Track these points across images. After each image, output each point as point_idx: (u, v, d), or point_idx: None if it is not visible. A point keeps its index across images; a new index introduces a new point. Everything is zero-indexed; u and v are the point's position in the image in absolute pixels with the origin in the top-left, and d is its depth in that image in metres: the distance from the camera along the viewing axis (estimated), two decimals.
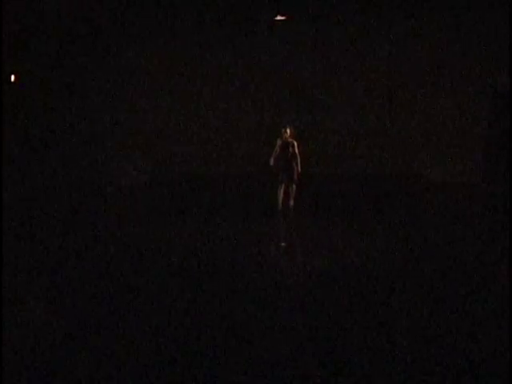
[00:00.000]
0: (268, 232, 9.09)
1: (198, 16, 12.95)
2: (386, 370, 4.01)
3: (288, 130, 10.25)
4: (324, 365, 4.09)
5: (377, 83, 13.31)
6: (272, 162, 10.21)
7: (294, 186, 10.30)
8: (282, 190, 10.31)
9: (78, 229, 9.26)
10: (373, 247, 7.83)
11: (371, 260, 7.14)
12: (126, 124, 13.86)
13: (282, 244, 8.46)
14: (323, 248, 7.80)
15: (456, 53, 13.03)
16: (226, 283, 6.20)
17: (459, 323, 4.93)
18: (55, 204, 11.81)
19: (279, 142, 10.24)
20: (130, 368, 4.12)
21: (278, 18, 13.02)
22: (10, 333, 4.69)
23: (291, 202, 10.32)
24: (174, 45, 13.57)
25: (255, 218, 10.09)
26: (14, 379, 3.95)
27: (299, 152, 10.24)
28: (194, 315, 5.18)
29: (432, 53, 13.10)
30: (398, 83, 13.27)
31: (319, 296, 5.71)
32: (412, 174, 13.28)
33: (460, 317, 5.10)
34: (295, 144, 10.19)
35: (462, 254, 7.60)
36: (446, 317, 5.07)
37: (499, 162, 13.20)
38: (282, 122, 13.32)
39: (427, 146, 13.37)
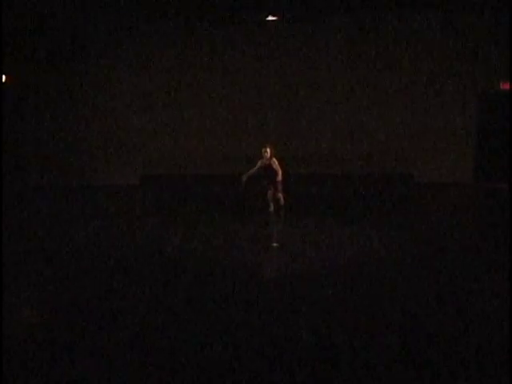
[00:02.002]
0: (260, 233, 9.10)
1: (189, 16, 12.93)
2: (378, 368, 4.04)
3: (268, 150, 10.05)
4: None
5: (367, 84, 13.35)
6: (245, 178, 9.98)
7: (281, 196, 10.17)
8: (271, 192, 10.26)
9: (68, 229, 9.24)
10: (364, 247, 7.86)
11: (362, 260, 7.18)
12: (117, 125, 13.84)
13: (274, 244, 8.47)
14: (314, 248, 7.83)
15: (446, 53, 13.10)
16: (216, 283, 6.22)
17: (457, 322, 4.97)
18: (45, 205, 11.78)
19: (260, 164, 10.02)
20: (124, 369, 4.13)
21: (270, 18, 13.03)
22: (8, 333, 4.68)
23: (281, 202, 10.28)
24: (165, 45, 13.56)
25: (247, 218, 10.10)
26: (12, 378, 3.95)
27: (279, 166, 10.09)
28: (186, 315, 5.20)
29: (422, 53, 13.16)
30: (388, 84, 13.32)
31: (309, 295, 5.74)
32: (403, 175, 13.33)
33: (458, 315, 5.14)
34: (276, 162, 10.03)
35: (455, 251, 7.65)
36: (445, 321, 5.10)
37: (490, 160, 13.30)
38: (274, 123, 13.40)
39: (417, 147, 13.43)
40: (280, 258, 7.71)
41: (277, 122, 13.47)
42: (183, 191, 13.13)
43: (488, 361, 4.21)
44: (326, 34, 13.24)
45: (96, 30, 13.26)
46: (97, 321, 5.12)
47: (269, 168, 10.00)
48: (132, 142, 13.88)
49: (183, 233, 8.93)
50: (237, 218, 10.12)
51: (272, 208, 10.30)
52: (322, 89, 13.46)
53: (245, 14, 12.74)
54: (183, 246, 8.06)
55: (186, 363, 4.23)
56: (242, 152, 13.41)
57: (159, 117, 13.80)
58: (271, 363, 4.19)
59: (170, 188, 13.40)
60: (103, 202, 12.27)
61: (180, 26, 13.24)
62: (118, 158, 13.93)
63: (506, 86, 13.00)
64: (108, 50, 13.56)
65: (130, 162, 13.92)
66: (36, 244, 8.25)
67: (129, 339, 4.69)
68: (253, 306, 5.48)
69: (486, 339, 4.60)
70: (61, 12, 12.09)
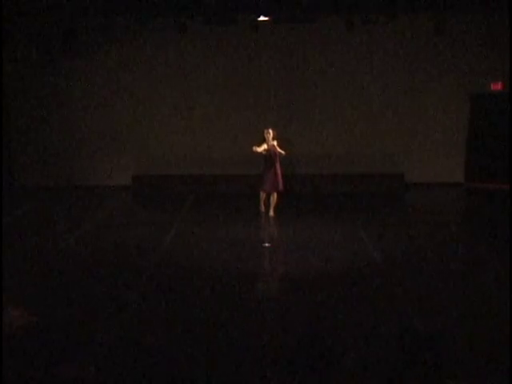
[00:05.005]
0: (252, 232, 9.10)
1: (181, 16, 12.89)
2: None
3: (270, 131, 10.02)
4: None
5: (359, 85, 13.36)
6: (255, 149, 9.83)
7: (275, 195, 10.13)
8: (263, 195, 10.22)
9: (59, 231, 9.20)
10: (355, 248, 7.88)
11: (354, 260, 7.19)
12: (109, 125, 13.77)
13: (266, 244, 8.47)
14: (304, 248, 7.84)
15: (437, 54, 13.14)
16: (206, 282, 6.22)
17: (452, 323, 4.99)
18: (34, 206, 11.72)
19: (265, 146, 9.91)
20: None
21: (262, 18, 13.00)
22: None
23: (271, 213, 10.15)
24: (157, 45, 13.51)
25: (240, 218, 10.09)
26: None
27: (279, 146, 10.07)
28: (179, 315, 5.19)
29: (415, 54, 13.18)
30: (379, 84, 13.33)
31: (299, 295, 5.75)
32: (393, 175, 13.32)
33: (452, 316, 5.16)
34: (275, 144, 9.99)
35: (447, 250, 7.68)
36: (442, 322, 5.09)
37: (481, 160, 13.36)
38: (267, 123, 13.35)
39: (409, 147, 13.46)
40: (271, 257, 7.72)
41: (270, 123, 13.41)
42: (175, 192, 13.07)
43: (487, 362, 4.21)
44: (318, 35, 13.23)
45: (87, 27, 13.15)
46: (91, 320, 5.11)
47: (272, 151, 9.91)
48: (124, 141, 13.80)
49: (174, 233, 8.92)
50: (229, 219, 10.10)
51: (263, 208, 10.26)
52: (315, 90, 13.45)
53: (236, 14, 12.69)
54: (174, 247, 8.05)
55: (178, 363, 4.22)
56: (234, 152, 13.40)
57: (151, 117, 13.74)
58: (263, 365, 4.19)
59: (163, 188, 13.33)
60: (94, 202, 12.22)
61: (171, 25, 13.15)
62: (110, 158, 13.84)
63: (496, 87, 13.06)
64: (99, 48, 13.47)
65: (122, 162, 13.83)
66: (25, 246, 8.20)
67: (123, 339, 4.67)
68: (241, 306, 5.48)
69: (486, 340, 4.60)
70: (54, 8, 12.00)
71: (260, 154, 9.93)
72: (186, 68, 13.56)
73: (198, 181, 13.44)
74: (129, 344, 4.59)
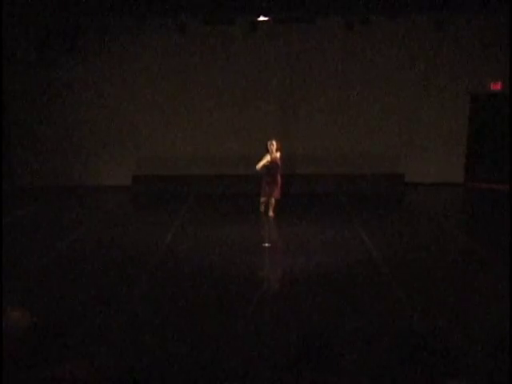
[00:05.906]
0: (252, 233, 9.10)
1: (181, 16, 12.89)
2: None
3: (274, 143, 10.02)
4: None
5: (359, 84, 13.36)
6: (259, 167, 9.89)
7: (273, 200, 10.17)
8: (263, 199, 10.25)
9: (58, 231, 9.20)
10: (355, 248, 7.87)
11: (353, 260, 7.19)
12: (109, 125, 13.77)
13: (266, 244, 8.47)
14: (303, 248, 7.84)
15: (437, 54, 13.14)
16: (205, 282, 6.22)
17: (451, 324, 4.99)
18: (34, 206, 11.71)
19: (268, 158, 9.92)
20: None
21: (261, 18, 13.00)
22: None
23: (270, 213, 10.20)
24: (157, 44, 13.50)
25: (239, 218, 10.09)
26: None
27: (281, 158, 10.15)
28: (177, 314, 5.19)
29: (413, 54, 13.19)
30: (379, 84, 13.33)
31: (295, 295, 5.75)
32: (393, 174, 13.32)
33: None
34: (278, 156, 10.03)
35: (446, 249, 7.68)
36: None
37: (481, 160, 13.37)
38: (266, 123, 13.37)
39: (409, 147, 13.46)
40: (271, 257, 7.71)
41: (269, 123, 13.45)
42: (175, 192, 13.07)
43: (487, 362, 4.21)
44: (318, 35, 13.23)
45: (87, 27, 13.15)
46: (91, 321, 5.11)
47: (274, 163, 9.94)
48: (124, 141, 13.80)
49: (174, 233, 8.92)
50: (229, 219, 10.11)
51: (263, 209, 10.29)
52: (314, 89, 13.45)
53: (236, 14, 12.69)
54: (174, 247, 8.05)
55: (178, 363, 4.23)
56: (234, 153, 13.41)
57: (151, 117, 13.74)
58: (262, 364, 4.20)
59: (163, 188, 13.33)
60: (94, 203, 12.22)
61: (171, 25, 13.15)
62: (110, 158, 13.85)
63: (496, 87, 13.07)
64: (99, 48, 13.45)
65: (122, 162, 13.84)
66: (26, 246, 8.20)
67: (123, 339, 4.68)
68: (241, 306, 5.48)
69: (486, 340, 4.60)
70: (54, 8, 11.99)
71: (264, 166, 9.95)
72: (186, 68, 13.56)
73: (198, 181, 13.44)
74: (128, 344, 4.60)
